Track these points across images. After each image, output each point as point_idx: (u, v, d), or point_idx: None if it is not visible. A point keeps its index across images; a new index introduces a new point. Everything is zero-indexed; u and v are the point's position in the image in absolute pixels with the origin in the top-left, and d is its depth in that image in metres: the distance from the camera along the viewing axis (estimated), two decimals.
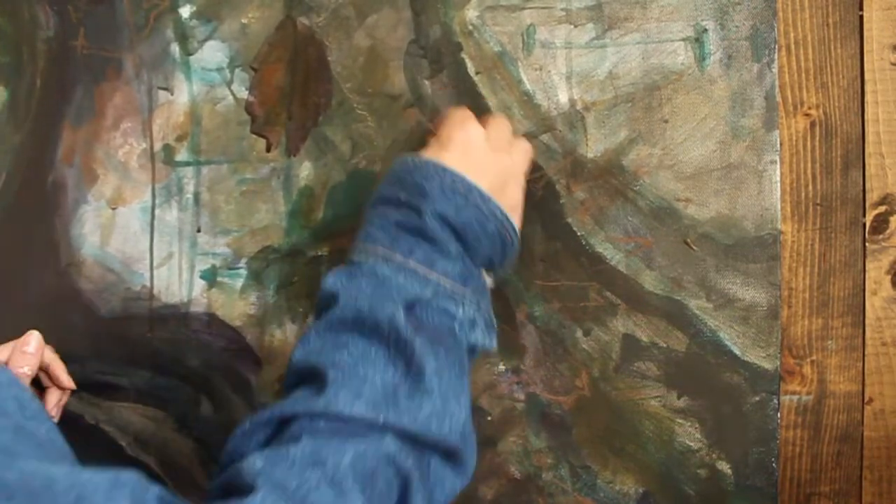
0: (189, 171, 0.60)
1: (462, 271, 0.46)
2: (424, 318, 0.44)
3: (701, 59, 0.55)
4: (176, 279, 0.61)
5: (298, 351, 0.44)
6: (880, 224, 0.56)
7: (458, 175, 0.46)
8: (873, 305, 0.56)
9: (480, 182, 0.47)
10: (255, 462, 0.37)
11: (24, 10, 0.62)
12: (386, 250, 0.45)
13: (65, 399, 0.53)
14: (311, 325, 0.47)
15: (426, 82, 0.58)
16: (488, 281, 0.49)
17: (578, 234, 0.56)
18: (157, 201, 0.61)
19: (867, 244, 0.56)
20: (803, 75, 0.55)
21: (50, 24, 0.62)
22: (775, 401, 0.55)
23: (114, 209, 0.61)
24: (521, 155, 0.51)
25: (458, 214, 0.45)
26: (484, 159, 0.48)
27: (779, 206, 0.55)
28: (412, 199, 0.46)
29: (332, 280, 0.45)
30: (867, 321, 0.56)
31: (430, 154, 0.48)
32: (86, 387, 0.62)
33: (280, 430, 0.40)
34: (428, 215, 0.45)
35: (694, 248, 0.55)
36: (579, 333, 0.57)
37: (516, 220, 0.49)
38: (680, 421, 0.56)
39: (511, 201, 0.49)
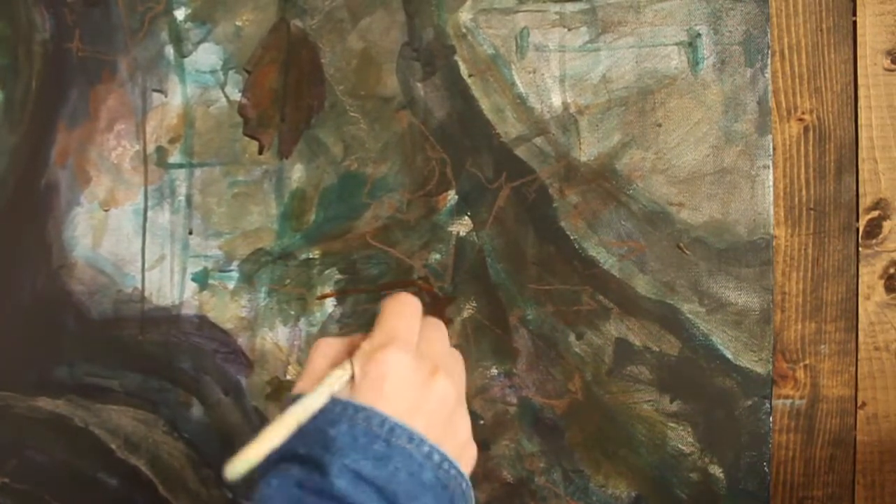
0: (182, 174, 0.60)
1: None
2: None
3: (694, 63, 0.55)
4: (167, 281, 0.60)
5: None
6: (873, 229, 0.56)
7: (373, 412, 0.35)
8: (866, 310, 0.56)
9: (415, 423, 0.36)
10: None
11: (20, 12, 0.62)
12: None
13: None
14: None
15: (419, 85, 0.58)
16: None
17: (571, 237, 0.56)
18: (149, 203, 0.61)
19: (860, 249, 0.56)
20: (797, 80, 0.55)
21: (46, 27, 0.62)
22: (767, 405, 0.55)
23: (106, 211, 0.61)
24: (459, 368, 0.41)
25: (377, 466, 0.34)
26: (418, 390, 0.37)
27: (772, 211, 0.55)
28: (313, 452, 0.35)
29: None
30: (860, 326, 0.56)
31: (343, 392, 0.37)
32: (76, 389, 0.61)
33: None
34: (333, 472, 0.34)
35: (687, 252, 0.55)
36: (572, 337, 0.57)
37: (469, 458, 0.40)
38: (672, 425, 0.56)
39: (460, 437, 0.39)
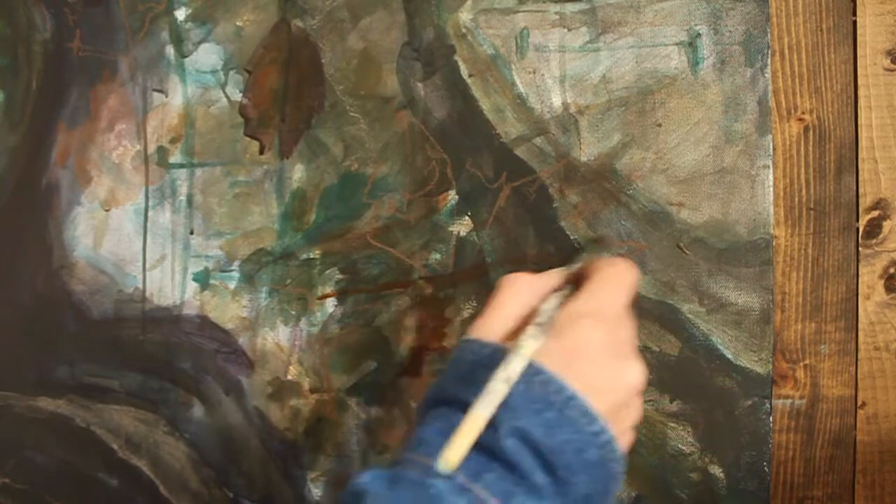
0: (182, 174, 0.60)
1: None
2: None
3: (694, 63, 0.55)
4: (168, 281, 0.60)
5: None
6: (873, 229, 0.56)
7: (552, 377, 0.34)
8: (866, 310, 0.56)
9: (598, 403, 0.34)
10: None
11: (20, 12, 0.62)
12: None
13: None
14: None
15: (419, 85, 0.58)
16: None
17: (571, 237, 0.56)
18: (150, 203, 0.61)
19: (860, 249, 0.56)
20: (797, 80, 0.55)
21: (46, 26, 0.62)
22: (767, 405, 0.55)
23: (107, 211, 0.61)
24: (642, 364, 0.39)
25: (547, 434, 0.33)
26: (610, 372, 0.35)
27: (772, 211, 0.55)
28: None
29: (366, 480, 0.33)
30: (860, 326, 0.56)
31: (526, 343, 0.35)
32: (77, 389, 0.61)
33: None
34: (504, 430, 0.33)
35: (687, 252, 0.55)
36: None
37: (627, 442, 0.38)
38: (672, 425, 0.56)
39: (628, 422, 0.38)
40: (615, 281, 0.38)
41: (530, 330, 0.36)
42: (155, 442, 0.61)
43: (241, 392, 0.60)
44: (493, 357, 0.35)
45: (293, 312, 0.60)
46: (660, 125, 0.55)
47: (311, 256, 0.59)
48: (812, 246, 0.56)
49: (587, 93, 0.56)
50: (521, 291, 0.39)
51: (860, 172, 0.55)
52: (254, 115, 0.59)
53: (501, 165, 0.57)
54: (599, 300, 0.37)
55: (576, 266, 0.42)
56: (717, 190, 0.55)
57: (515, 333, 0.37)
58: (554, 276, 0.40)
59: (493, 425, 0.33)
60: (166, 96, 0.61)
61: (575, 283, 0.41)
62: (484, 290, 0.57)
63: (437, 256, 0.58)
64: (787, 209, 0.56)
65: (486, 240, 0.57)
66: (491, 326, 0.37)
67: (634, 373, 0.37)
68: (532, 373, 0.34)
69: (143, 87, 0.61)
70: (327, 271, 0.59)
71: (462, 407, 0.34)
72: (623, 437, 0.37)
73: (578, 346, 0.35)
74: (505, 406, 0.33)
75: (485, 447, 0.33)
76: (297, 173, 0.59)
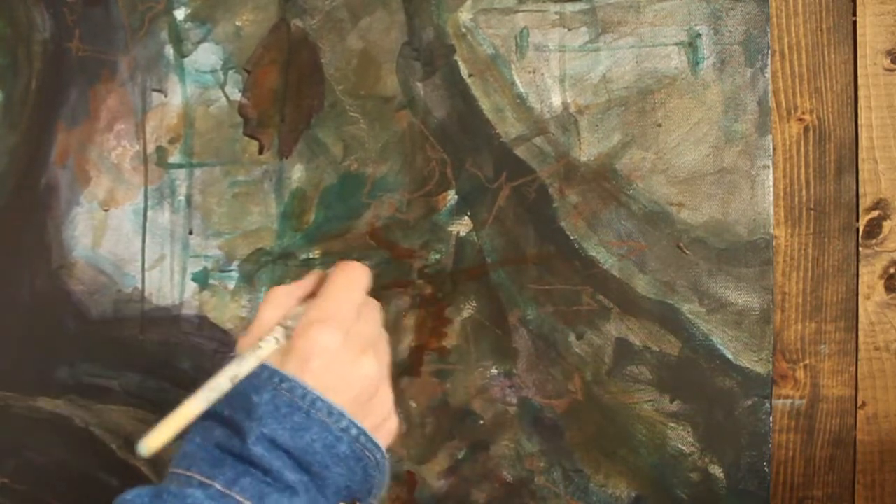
0: (182, 174, 0.60)
1: None
2: None
3: (694, 63, 0.55)
4: (168, 281, 0.60)
5: None
6: (873, 229, 0.56)
7: (297, 383, 0.37)
8: (866, 310, 0.56)
9: (338, 398, 0.38)
10: None
11: (20, 11, 0.62)
12: (203, 477, 0.36)
13: None
14: None
15: (419, 84, 0.58)
16: None
17: (571, 237, 0.56)
18: (149, 203, 0.61)
19: (860, 249, 0.56)
20: (797, 80, 0.55)
21: (46, 26, 0.62)
22: (767, 405, 0.55)
23: (106, 211, 0.61)
24: (385, 348, 0.43)
25: (294, 436, 0.36)
26: (344, 368, 0.38)
27: (772, 211, 0.55)
28: (236, 417, 0.36)
29: (129, 497, 0.35)
30: (860, 326, 0.56)
31: (274, 358, 0.38)
32: (76, 389, 0.61)
33: None
34: (251, 440, 0.35)
35: (687, 252, 0.55)
36: (572, 337, 0.57)
37: (387, 431, 0.41)
38: (672, 425, 0.56)
39: (381, 411, 0.41)
40: (343, 283, 0.41)
41: (267, 336, 0.39)
42: None
43: None
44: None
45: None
46: (660, 125, 0.55)
47: (311, 256, 0.59)
48: (812, 246, 0.56)
49: (587, 93, 0.56)
50: (280, 304, 0.41)
51: (860, 172, 0.55)
52: (253, 115, 0.59)
53: (501, 165, 0.57)
54: (327, 304, 0.40)
55: (327, 271, 0.44)
56: (717, 190, 0.55)
57: None
58: (310, 282, 0.43)
59: (242, 435, 0.36)
60: (165, 96, 0.60)
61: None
62: (484, 289, 0.57)
63: (437, 256, 0.58)
64: (787, 209, 0.56)
65: (485, 239, 0.57)
66: (249, 340, 0.40)
67: (367, 365, 0.39)
68: (278, 381, 0.37)
69: (143, 86, 0.61)
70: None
71: (219, 419, 0.37)
72: (383, 424, 0.41)
73: (310, 349, 0.38)
74: (252, 416, 0.36)
75: (240, 457, 0.36)
76: (297, 173, 0.59)
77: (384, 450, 0.40)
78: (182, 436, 0.36)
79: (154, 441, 0.34)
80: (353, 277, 0.42)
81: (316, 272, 0.43)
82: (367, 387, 0.39)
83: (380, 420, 0.40)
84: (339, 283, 0.41)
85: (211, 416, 0.37)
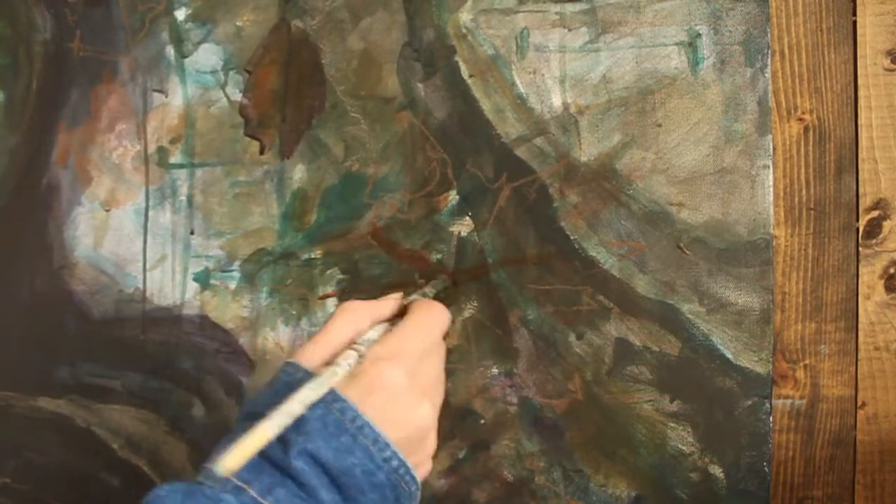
0: (183, 174, 0.60)
1: None
2: None
3: (694, 63, 0.55)
4: (169, 281, 0.60)
5: None
6: (873, 229, 0.56)
7: (349, 405, 0.37)
8: (866, 310, 0.56)
9: (391, 434, 0.38)
10: None
11: (21, 12, 0.62)
12: (239, 481, 0.36)
13: None
14: None
15: (419, 85, 0.58)
16: None
17: (571, 237, 0.56)
18: (150, 203, 0.61)
19: (860, 249, 0.56)
20: (797, 80, 0.55)
21: (47, 27, 0.62)
22: (767, 405, 0.55)
23: (107, 211, 0.61)
24: (441, 393, 0.44)
25: (337, 457, 0.36)
26: (403, 408, 0.39)
27: (772, 211, 0.55)
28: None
29: (162, 493, 0.36)
30: (860, 326, 0.56)
31: (329, 372, 0.39)
32: (77, 389, 0.62)
33: None
34: (294, 452, 0.36)
35: (687, 252, 0.55)
36: (572, 337, 0.57)
37: (424, 471, 0.42)
38: (672, 425, 0.56)
39: (426, 452, 0.42)
40: (422, 325, 0.42)
41: (340, 360, 0.39)
42: (155, 442, 0.61)
43: (241, 392, 0.60)
44: (304, 382, 0.38)
45: (294, 312, 0.60)
46: (660, 125, 0.55)
47: (312, 256, 0.59)
48: (812, 246, 0.56)
49: (587, 93, 0.56)
50: (353, 320, 0.42)
51: (860, 172, 0.55)
52: (254, 116, 0.59)
53: (502, 165, 0.57)
54: (401, 344, 0.41)
55: (410, 299, 0.45)
56: (717, 190, 0.55)
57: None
58: (388, 305, 0.43)
59: (286, 446, 0.36)
60: (166, 96, 0.61)
61: (403, 315, 0.44)
62: (484, 289, 0.57)
63: (438, 256, 0.58)
64: (787, 209, 0.56)
65: (486, 240, 0.57)
66: (313, 352, 0.41)
67: (425, 413, 0.40)
68: (331, 399, 0.38)
69: (144, 87, 0.61)
70: (328, 271, 0.59)
71: None
72: (421, 465, 0.41)
73: (376, 383, 0.38)
74: (300, 429, 0.37)
75: (279, 466, 0.36)
76: (298, 173, 0.59)
77: (419, 483, 0.40)
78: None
79: (231, 462, 0.34)
80: (435, 320, 0.43)
81: (395, 297, 0.44)
82: (418, 431, 0.40)
83: (422, 459, 0.41)
84: (418, 322, 0.42)
85: (258, 418, 0.37)
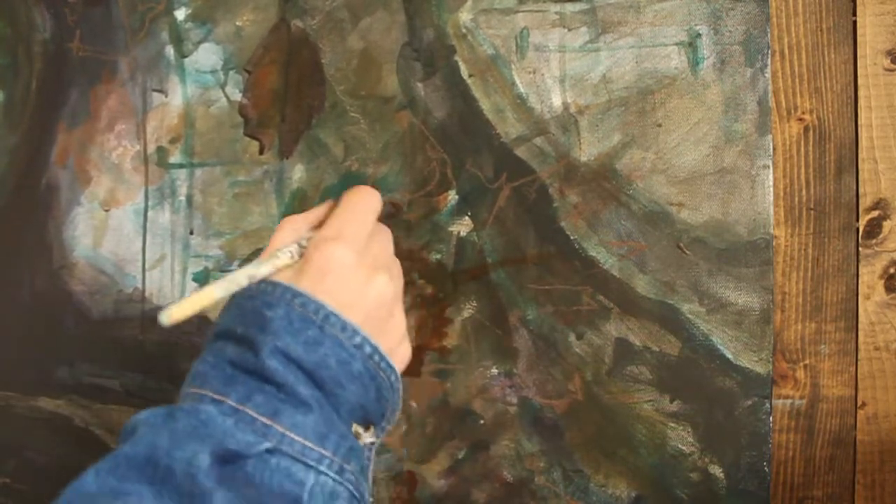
0: (182, 174, 0.60)
1: (318, 425, 0.35)
2: (256, 476, 0.33)
3: (694, 63, 0.55)
4: (168, 281, 0.60)
5: (68, 498, 0.35)
6: (873, 229, 0.56)
7: (310, 299, 0.36)
8: (866, 310, 0.56)
9: (353, 316, 0.37)
10: None
11: (21, 12, 0.62)
12: (215, 394, 0.35)
13: None
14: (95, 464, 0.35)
15: (419, 85, 0.58)
16: (366, 438, 0.38)
17: (571, 237, 0.56)
18: (150, 203, 0.61)
19: (860, 249, 0.56)
20: (797, 80, 0.55)
21: (46, 27, 0.62)
22: (767, 405, 0.55)
23: (107, 211, 0.61)
24: (398, 272, 0.43)
25: (308, 351, 0.35)
26: (357, 286, 0.38)
27: (772, 211, 0.55)
28: (249, 332, 0.36)
29: (144, 415, 0.35)
30: (860, 326, 0.56)
31: (287, 275, 0.38)
32: (77, 389, 0.61)
33: None
34: (265, 353, 0.35)
35: (687, 252, 0.55)
36: (572, 337, 0.57)
37: (401, 356, 0.41)
38: (672, 425, 0.56)
39: (395, 334, 0.40)
40: (355, 205, 0.41)
41: (286, 248, 0.39)
42: None
43: None
44: (258, 288, 0.38)
45: None
46: (660, 125, 0.55)
47: None
48: (812, 246, 0.56)
49: (587, 93, 0.56)
50: (292, 229, 0.41)
51: (860, 172, 0.55)
52: (253, 115, 0.59)
53: (501, 165, 0.57)
54: (341, 224, 0.40)
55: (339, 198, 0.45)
56: (717, 190, 0.55)
57: None
58: (321, 211, 0.43)
59: (253, 350, 0.35)
60: (166, 96, 0.61)
61: None
62: (484, 289, 0.57)
63: (438, 256, 0.58)
64: (787, 209, 0.56)
65: (486, 240, 0.57)
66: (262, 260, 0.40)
67: (381, 283, 0.39)
68: (291, 296, 0.36)
69: (143, 87, 0.61)
70: None
71: (233, 337, 0.37)
72: (397, 348, 0.40)
73: (325, 266, 0.37)
74: (266, 330, 0.36)
75: (253, 372, 0.35)
76: (298, 173, 0.59)
77: (398, 373, 0.39)
78: (198, 315, 0.37)
79: (176, 313, 0.35)
80: (366, 201, 0.42)
81: (328, 202, 0.43)
82: (381, 305, 0.39)
83: (394, 343, 0.40)
84: (351, 205, 0.41)
85: (223, 335, 0.37)
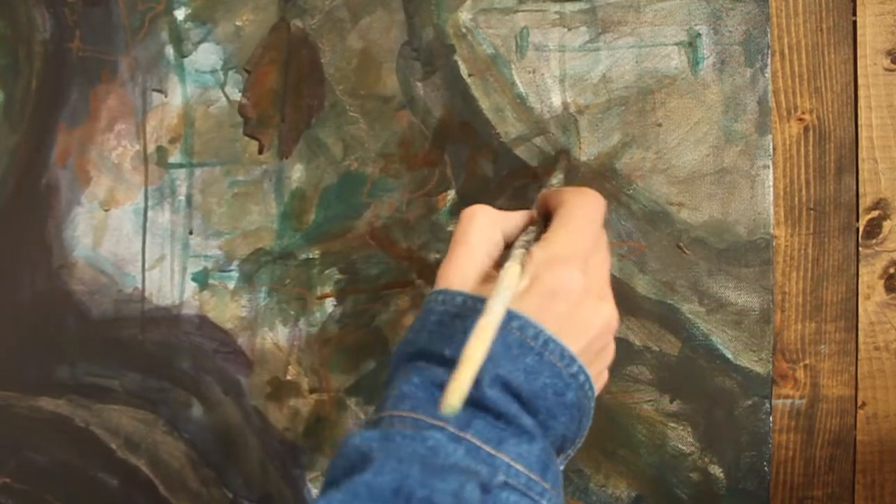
0: (182, 174, 0.60)
1: (541, 456, 0.32)
2: None
3: (694, 63, 0.55)
4: (168, 281, 0.60)
5: None
6: (873, 229, 0.56)
7: (528, 322, 0.33)
8: (866, 310, 0.56)
9: (573, 343, 0.34)
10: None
11: (20, 12, 0.62)
12: (431, 419, 0.32)
13: None
14: (325, 492, 0.31)
15: (419, 84, 0.58)
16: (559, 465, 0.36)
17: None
18: (149, 203, 0.61)
19: (860, 249, 0.56)
20: (797, 80, 0.55)
21: (46, 26, 0.62)
22: (767, 405, 0.54)
23: (106, 211, 0.61)
24: (612, 304, 0.39)
25: (527, 380, 0.33)
26: (586, 313, 0.35)
27: (772, 211, 0.55)
28: (459, 357, 0.31)
29: (360, 440, 0.32)
30: (860, 326, 0.56)
31: (504, 288, 0.33)
32: (77, 389, 0.62)
33: None
34: (486, 383, 0.32)
35: (687, 252, 0.55)
36: None
37: (601, 384, 0.39)
38: (672, 425, 0.56)
39: (605, 362, 0.38)
40: (583, 215, 0.38)
41: (506, 276, 0.34)
42: (154, 442, 0.61)
43: (240, 392, 0.60)
44: (465, 305, 0.35)
45: (292, 312, 0.59)
46: (660, 125, 0.55)
47: (311, 256, 0.59)
48: (812, 246, 0.56)
49: (587, 92, 0.56)
50: (485, 226, 0.38)
51: (860, 172, 0.55)
52: (253, 115, 0.59)
53: (501, 165, 0.57)
54: (570, 240, 0.36)
55: (535, 206, 0.41)
56: (717, 190, 0.55)
57: (485, 276, 0.37)
58: (518, 216, 0.39)
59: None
60: (166, 96, 0.61)
61: (544, 218, 0.40)
62: None
63: (437, 256, 0.58)
64: (787, 209, 0.56)
65: None
66: (462, 273, 0.36)
67: (607, 313, 0.37)
68: (507, 318, 0.33)
69: (143, 87, 0.61)
70: (326, 271, 0.59)
71: (439, 360, 0.34)
72: (598, 378, 0.38)
73: (554, 290, 0.34)
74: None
75: (470, 401, 0.32)
76: (297, 173, 0.59)
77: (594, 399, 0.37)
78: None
79: (454, 399, 0.29)
80: (593, 205, 0.38)
81: (521, 214, 0.39)
82: (602, 336, 0.36)
83: (601, 369, 0.38)
84: (578, 210, 0.37)
85: (425, 356, 0.34)
